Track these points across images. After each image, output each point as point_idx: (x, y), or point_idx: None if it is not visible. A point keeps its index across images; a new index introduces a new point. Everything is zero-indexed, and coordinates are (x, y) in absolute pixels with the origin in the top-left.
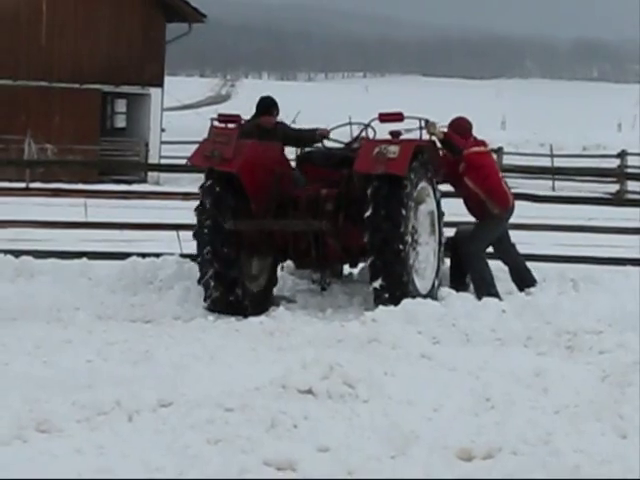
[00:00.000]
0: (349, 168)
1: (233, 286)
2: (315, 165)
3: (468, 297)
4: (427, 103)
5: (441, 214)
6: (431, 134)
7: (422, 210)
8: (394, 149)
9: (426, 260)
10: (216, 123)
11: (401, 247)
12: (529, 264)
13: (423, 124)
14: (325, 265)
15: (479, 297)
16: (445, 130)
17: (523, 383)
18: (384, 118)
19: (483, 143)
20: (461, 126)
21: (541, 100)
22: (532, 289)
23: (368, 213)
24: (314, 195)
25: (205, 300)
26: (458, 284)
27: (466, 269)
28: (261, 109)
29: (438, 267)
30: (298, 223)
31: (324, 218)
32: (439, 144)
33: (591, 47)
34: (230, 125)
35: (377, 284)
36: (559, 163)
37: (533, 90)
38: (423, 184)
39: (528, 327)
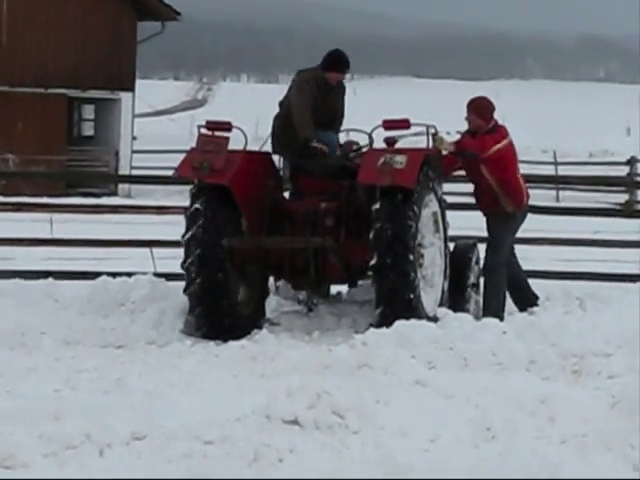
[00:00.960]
0: (349, 179)
1: (224, 317)
2: (310, 176)
3: (466, 318)
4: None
5: (444, 208)
6: (439, 149)
7: (426, 214)
8: (401, 159)
9: (432, 264)
10: (204, 131)
11: (410, 269)
12: (530, 282)
13: (431, 131)
14: (324, 285)
15: (484, 314)
16: (452, 142)
17: (526, 411)
18: (389, 125)
19: (503, 132)
20: (482, 106)
21: (543, 102)
22: (534, 309)
23: (374, 230)
24: (312, 209)
25: (189, 314)
26: (457, 302)
27: (485, 287)
28: (332, 63)
29: (445, 266)
30: (298, 240)
31: (324, 234)
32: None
33: (597, 45)
34: (220, 133)
35: (383, 310)
36: (563, 171)
37: (535, 92)
38: (430, 196)
39: (531, 350)
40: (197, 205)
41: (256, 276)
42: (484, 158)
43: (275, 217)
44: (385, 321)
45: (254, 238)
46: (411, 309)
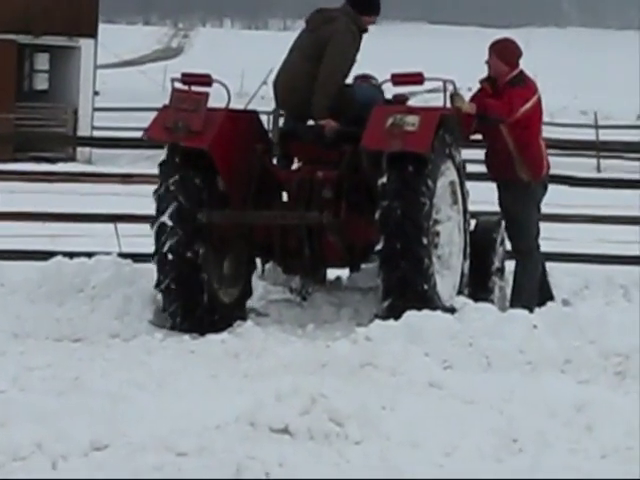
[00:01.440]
0: (351, 144)
1: (200, 295)
2: (304, 142)
3: (489, 309)
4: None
5: (463, 178)
6: (457, 108)
7: (442, 184)
8: (413, 120)
9: (450, 242)
10: (179, 85)
11: (424, 255)
12: (566, 266)
13: (449, 87)
14: (321, 269)
15: (512, 305)
16: (472, 107)
17: (560, 419)
18: (399, 80)
19: (533, 86)
20: (507, 49)
21: (582, 55)
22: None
23: (380, 209)
24: (307, 179)
25: (163, 311)
26: (478, 290)
27: (517, 271)
28: (372, 5)
29: (465, 245)
30: (291, 215)
31: (323, 208)
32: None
33: None
34: (198, 88)
35: (391, 302)
36: (606, 136)
37: (572, 41)
38: (447, 163)
39: (566, 347)
40: (170, 174)
41: (240, 257)
42: (514, 119)
43: (263, 188)
44: (394, 314)
45: (238, 212)
46: (425, 300)
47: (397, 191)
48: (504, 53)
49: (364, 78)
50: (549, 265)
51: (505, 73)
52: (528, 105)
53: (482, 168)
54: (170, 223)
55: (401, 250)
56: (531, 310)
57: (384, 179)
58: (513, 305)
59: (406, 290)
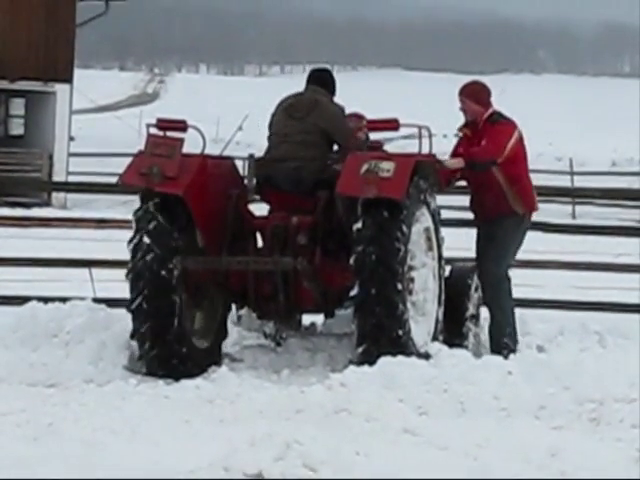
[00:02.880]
0: (326, 191)
1: (177, 343)
2: (280, 189)
3: (464, 355)
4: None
5: (438, 224)
6: (433, 157)
7: (417, 230)
8: (388, 166)
9: (424, 289)
10: (154, 131)
11: (398, 301)
12: (541, 312)
13: (424, 133)
14: (295, 314)
15: (496, 348)
16: (459, 161)
17: (534, 465)
18: (374, 126)
19: (511, 122)
20: (476, 90)
21: (558, 102)
22: (545, 345)
23: (355, 254)
24: (282, 225)
25: (138, 359)
26: (453, 336)
27: (487, 303)
28: (310, 81)
29: (440, 291)
30: (265, 260)
31: (297, 254)
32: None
33: (620, 35)
34: (173, 134)
35: (366, 348)
36: (581, 182)
37: (547, 88)
38: (422, 209)
39: (541, 394)
40: (144, 220)
41: (215, 303)
42: (503, 158)
43: (238, 234)
44: (368, 359)
45: (212, 258)
46: (399, 346)
47: (372, 237)
48: (475, 95)
49: (355, 116)
50: (524, 312)
51: (481, 113)
52: (512, 140)
53: (457, 214)
54: (145, 270)
55: (376, 296)
56: (513, 349)
57: (359, 225)
58: (495, 344)
59: (380, 336)
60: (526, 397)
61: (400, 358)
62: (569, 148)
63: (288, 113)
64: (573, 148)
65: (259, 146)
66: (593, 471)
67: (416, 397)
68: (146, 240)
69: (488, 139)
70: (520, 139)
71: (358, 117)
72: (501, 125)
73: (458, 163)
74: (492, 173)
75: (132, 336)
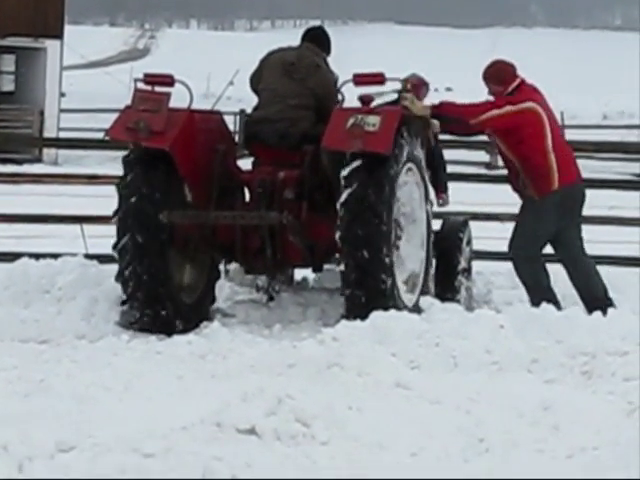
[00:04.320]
0: (313, 145)
1: (166, 303)
2: (266, 144)
3: (456, 309)
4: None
5: (427, 190)
6: (405, 108)
7: (406, 191)
8: (374, 120)
9: (412, 244)
10: (141, 86)
11: (384, 248)
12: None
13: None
14: (283, 268)
15: (533, 303)
16: (431, 103)
17: (527, 419)
18: (360, 80)
19: (524, 94)
20: (498, 70)
21: (549, 55)
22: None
23: (340, 203)
24: (269, 179)
25: (130, 324)
26: (444, 290)
27: (519, 276)
28: (306, 38)
29: (429, 248)
30: (251, 215)
31: (284, 208)
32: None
33: None
34: (160, 89)
35: (351, 294)
36: (572, 136)
37: (539, 42)
38: (409, 164)
39: (533, 347)
40: (131, 173)
41: (202, 258)
42: (477, 124)
43: (225, 188)
44: (355, 308)
45: (200, 213)
46: (384, 292)
47: (358, 184)
48: (497, 75)
49: (417, 84)
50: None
51: (501, 92)
52: (501, 111)
53: (450, 168)
54: (131, 223)
55: (360, 238)
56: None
57: (345, 172)
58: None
59: (365, 279)
60: (518, 351)
61: (392, 312)
62: (560, 101)
63: (287, 72)
64: (564, 101)
65: (249, 101)
66: (585, 425)
67: (408, 351)
68: (132, 191)
69: (481, 103)
70: (526, 113)
71: (418, 85)
72: (506, 97)
73: (423, 109)
74: (505, 155)
75: (123, 303)
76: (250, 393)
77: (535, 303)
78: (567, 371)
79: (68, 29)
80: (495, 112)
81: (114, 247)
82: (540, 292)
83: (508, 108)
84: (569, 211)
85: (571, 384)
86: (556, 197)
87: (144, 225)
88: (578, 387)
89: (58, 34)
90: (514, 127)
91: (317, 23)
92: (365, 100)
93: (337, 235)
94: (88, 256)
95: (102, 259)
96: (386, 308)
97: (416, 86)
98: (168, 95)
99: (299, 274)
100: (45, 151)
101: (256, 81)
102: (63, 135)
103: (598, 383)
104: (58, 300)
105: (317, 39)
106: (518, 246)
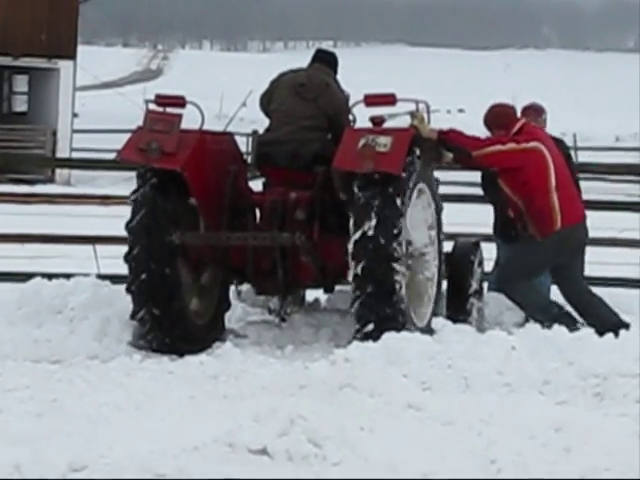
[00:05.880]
0: (324, 166)
1: (176, 322)
2: (278, 165)
3: (468, 330)
4: (415, 79)
5: (440, 211)
6: (415, 127)
7: (414, 204)
8: (385, 141)
9: (424, 267)
10: (153, 107)
11: (395, 269)
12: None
13: (421, 107)
14: (294, 289)
15: (543, 325)
16: (440, 128)
17: (539, 441)
18: (371, 101)
19: (529, 134)
20: (498, 115)
21: (562, 77)
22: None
23: (352, 224)
24: (281, 200)
25: (139, 339)
26: (456, 312)
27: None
28: (315, 59)
29: (440, 269)
30: (263, 236)
31: (295, 229)
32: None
33: (625, 10)
34: (172, 110)
35: (362, 317)
36: (585, 158)
37: (551, 64)
38: (420, 185)
39: (545, 369)
40: (143, 192)
41: (214, 279)
42: (479, 157)
43: (237, 209)
44: (366, 332)
45: (211, 234)
46: (396, 315)
47: (369, 207)
48: (496, 119)
49: (532, 109)
50: None
51: (503, 136)
52: (504, 147)
53: (459, 190)
54: (143, 236)
55: (374, 230)
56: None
57: (357, 193)
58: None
59: (377, 303)
60: (530, 372)
61: (404, 334)
62: (573, 123)
63: (297, 92)
64: (577, 123)
65: (262, 122)
66: (597, 446)
67: (420, 372)
68: (145, 214)
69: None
70: (530, 152)
71: (536, 110)
72: (511, 136)
73: (431, 132)
74: (509, 197)
75: (132, 317)
76: (262, 414)
77: (539, 320)
78: (579, 393)
79: (81, 50)
80: (498, 147)
81: (125, 257)
82: (540, 309)
83: (511, 145)
84: (569, 250)
85: (583, 406)
86: (557, 237)
87: (155, 239)
88: (590, 409)
89: (71, 55)
90: (517, 167)
91: (330, 44)
92: (376, 121)
93: (349, 258)
94: (100, 276)
95: (114, 279)
96: (398, 330)
97: (535, 112)
98: (180, 116)
99: (311, 295)
100: (58, 171)
101: (266, 102)
102: (76, 155)
103: (610, 405)
104: (70, 320)
105: (326, 60)
106: (506, 278)
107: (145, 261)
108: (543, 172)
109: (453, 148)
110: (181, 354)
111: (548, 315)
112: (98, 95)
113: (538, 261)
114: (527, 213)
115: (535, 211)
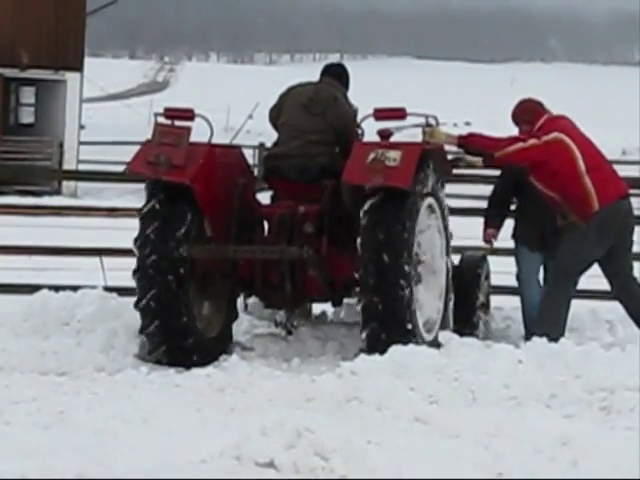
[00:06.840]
0: (333, 179)
1: (186, 335)
2: (286, 178)
3: (475, 343)
4: (421, 92)
5: (445, 211)
6: (428, 140)
7: (423, 218)
8: (395, 155)
9: (432, 279)
10: (162, 120)
11: (404, 284)
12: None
13: (431, 122)
14: (301, 303)
15: (528, 335)
16: (458, 133)
17: (545, 454)
18: (381, 115)
19: (548, 127)
20: (523, 111)
21: (568, 90)
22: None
23: (361, 238)
24: (289, 214)
25: (148, 354)
26: (463, 325)
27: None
28: (325, 74)
29: (448, 283)
30: (271, 249)
31: (303, 243)
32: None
33: (631, 23)
34: (180, 123)
35: (371, 332)
36: None
37: (558, 77)
38: (429, 199)
39: (552, 382)
40: (152, 205)
41: (222, 292)
42: (502, 157)
43: (245, 223)
44: (374, 343)
45: (220, 247)
46: (404, 329)
47: (378, 222)
48: (522, 115)
49: None
50: None
51: (530, 132)
52: (525, 145)
53: (467, 203)
54: (151, 252)
55: (381, 277)
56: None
57: (365, 207)
58: (528, 333)
59: (385, 318)
60: (537, 386)
61: (411, 347)
62: None
63: (305, 107)
64: None
65: (269, 135)
66: (604, 460)
67: (427, 386)
68: (153, 227)
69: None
70: (554, 146)
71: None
72: (530, 133)
73: (450, 138)
74: (541, 191)
75: (141, 331)
76: (269, 427)
77: (536, 333)
78: (586, 406)
79: (88, 62)
80: (520, 145)
81: (133, 273)
82: (549, 326)
83: (533, 141)
84: (616, 230)
85: (590, 419)
86: (598, 218)
87: (163, 255)
88: (597, 422)
89: (78, 67)
90: (543, 161)
91: (337, 57)
92: (384, 134)
93: (358, 274)
94: (107, 288)
95: (121, 291)
96: (405, 343)
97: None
98: (188, 129)
99: (318, 308)
100: (64, 183)
101: (275, 116)
102: (82, 167)
103: (617, 419)
104: (77, 332)
105: (336, 74)
106: (557, 273)
107: (154, 276)
108: (569, 159)
109: (474, 151)
110: (188, 367)
111: (554, 331)
112: (105, 107)
113: (587, 248)
114: (565, 203)
115: (571, 199)
